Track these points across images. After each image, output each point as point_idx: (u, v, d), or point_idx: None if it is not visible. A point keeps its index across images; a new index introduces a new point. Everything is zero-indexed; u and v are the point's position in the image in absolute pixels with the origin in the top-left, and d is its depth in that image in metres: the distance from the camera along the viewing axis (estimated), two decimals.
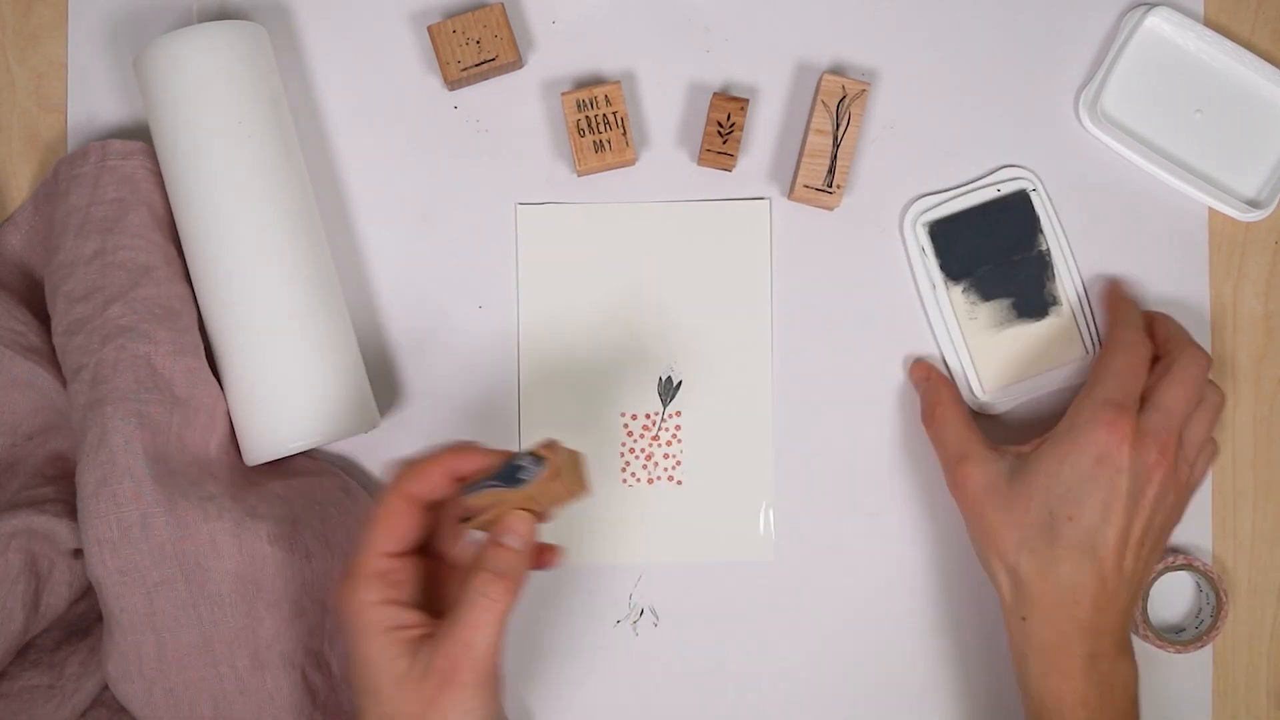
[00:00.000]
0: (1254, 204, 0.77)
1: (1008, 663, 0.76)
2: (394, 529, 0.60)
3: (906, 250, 0.76)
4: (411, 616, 0.59)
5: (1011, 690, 0.76)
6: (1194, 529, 0.76)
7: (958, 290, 0.76)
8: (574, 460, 0.61)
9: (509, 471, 0.60)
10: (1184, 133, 0.77)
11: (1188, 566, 0.74)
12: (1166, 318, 0.73)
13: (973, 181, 0.76)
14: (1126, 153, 0.76)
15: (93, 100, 0.76)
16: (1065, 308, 0.76)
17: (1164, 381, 0.68)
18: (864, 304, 0.76)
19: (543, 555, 0.63)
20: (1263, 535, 0.77)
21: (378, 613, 0.59)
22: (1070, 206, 0.77)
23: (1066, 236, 0.76)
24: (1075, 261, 0.76)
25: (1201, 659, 0.76)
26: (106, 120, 0.76)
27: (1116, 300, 0.74)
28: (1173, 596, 0.77)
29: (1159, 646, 0.74)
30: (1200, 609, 0.76)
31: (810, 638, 0.76)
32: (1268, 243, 0.77)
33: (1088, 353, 0.76)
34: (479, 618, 0.58)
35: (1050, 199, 0.76)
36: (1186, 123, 0.77)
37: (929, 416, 0.73)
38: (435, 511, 0.62)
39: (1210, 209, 0.77)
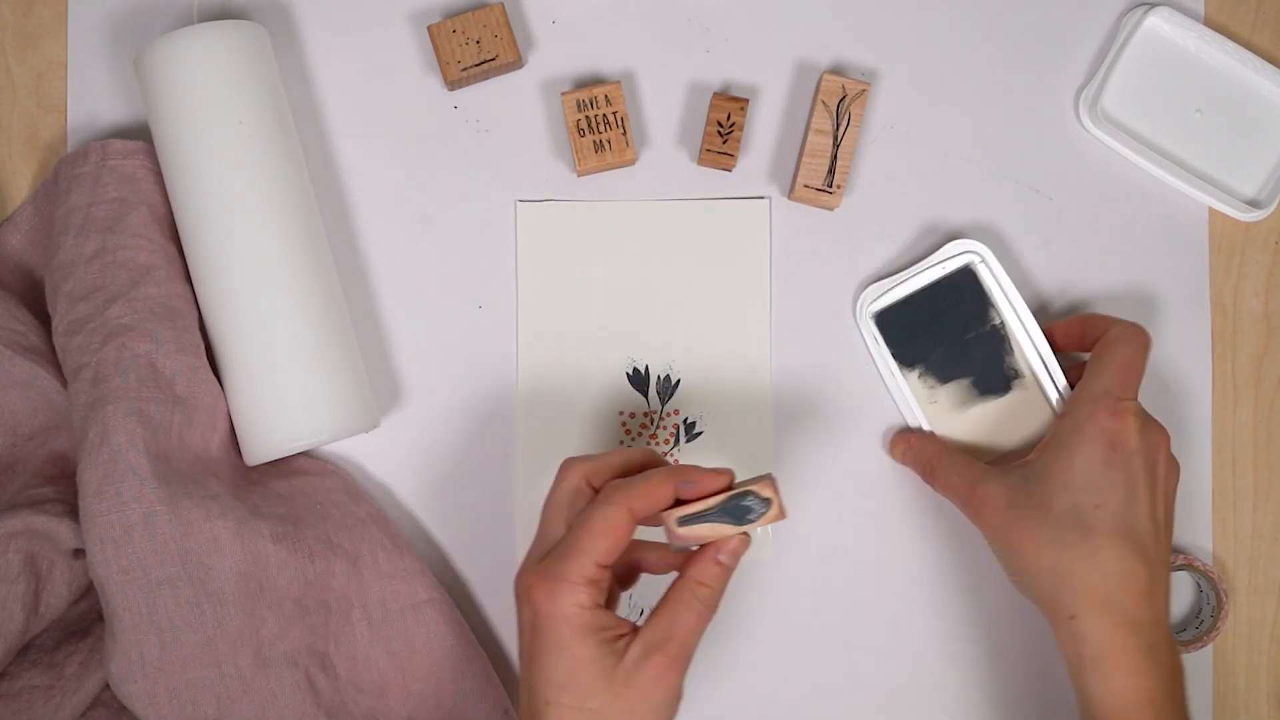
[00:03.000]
0: (1254, 204, 0.77)
1: (1006, 660, 0.76)
2: (612, 542, 0.62)
3: (863, 339, 0.76)
4: (614, 619, 0.62)
5: (1009, 689, 0.76)
6: (1194, 529, 0.76)
7: (914, 376, 0.75)
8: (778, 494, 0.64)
9: (737, 511, 0.63)
10: (1184, 133, 0.77)
11: (1188, 566, 0.74)
12: (1093, 316, 0.73)
13: (918, 261, 0.75)
14: (1126, 153, 0.76)
15: (93, 100, 0.76)
16: (1029, 379, 0.74)
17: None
18: None
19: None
20: (1263, 535, 0.77)
21: (590, 616, 0.61)
22: (1070, 208, 0.77)
23: (1023, 305, 0.74)
24: (1034, 330, 0.74)
25: (1202, 659, 0.76)
26: (106, 120, 0.76)
27: (1084, 319, 0.73)
28: (1173, 596, 0.77)
29: None
30: (1200, 609, 0.76)
31: (808, 637, 0.76)
32: (1268, 243, 0.77)
33: None
34: (693, 621, 0.62)
35: (999, 269, 0.74)
36: (1186, 123, 0.77)
37: (928, 473, 0.72)
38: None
39: (1210, 209, 0.77)
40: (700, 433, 0.76)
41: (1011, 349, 0.74)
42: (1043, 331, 0.73)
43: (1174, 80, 0.77)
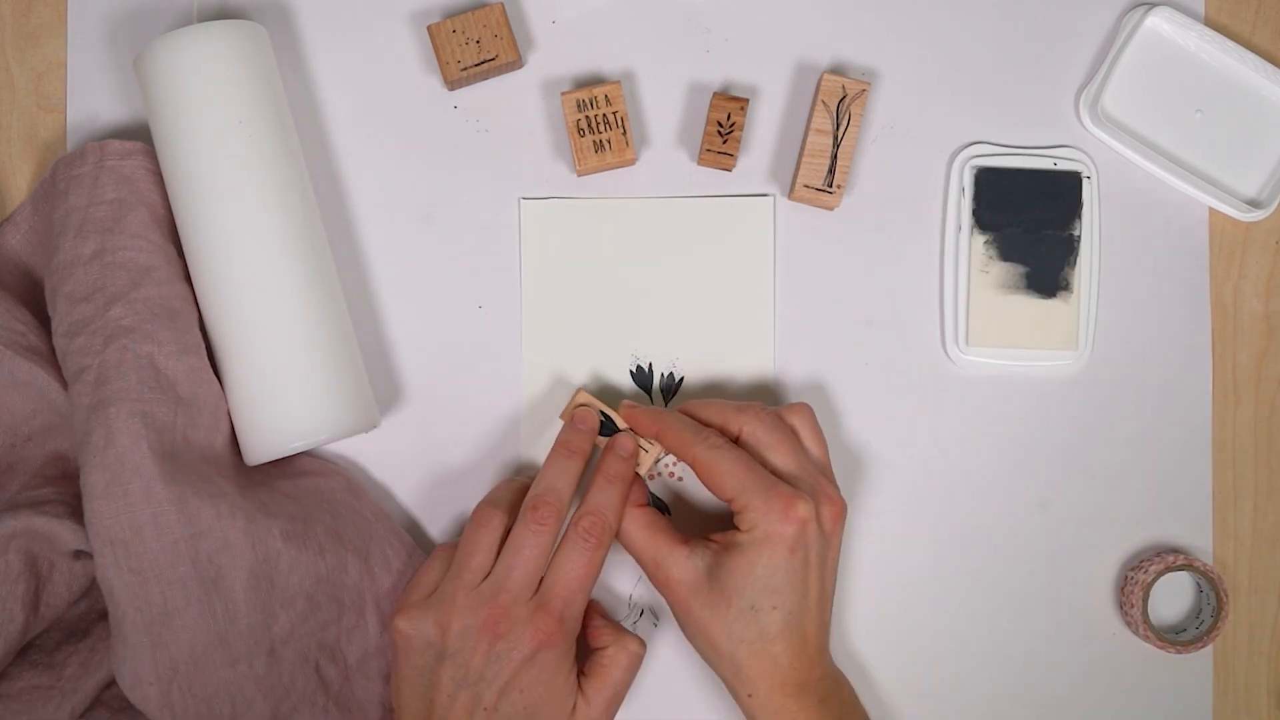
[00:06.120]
0: (1254, 204, 0.77)
1: (1004, 660, 0.76)
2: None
3: (947, 187, 0.76)
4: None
5: (1009, 689, 0.76)
6: (1194, 529, 0.76)
7: (980, 240, 0.76)
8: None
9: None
10: (1184, 133, 0.77)
11: (1188, 566, 0.74)
12: (705, 404, 0.71)
13: (1035, 147, 0.76)
14: (1126, 153, 0.76)
15: (92, 100, 0.76)
16: (1074, 297, 0.75)
17: (785, 446, 0.69)
18: (866, 302, 0.76)
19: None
20: (1263, 535, 0.77)
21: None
22: None
23: (1101, 235, 0.76)
24: (1100, 260, 0.76)
25: (1202, 659, 0.76)
26: (106, 120, 0.76)
27: (671, 423, 0.71)
28: (1173, 596, 0.77)
29: (1159, 647, 0.74)
30: (1201, 609, 0.76)
31: None
32: (1268, 243, 0.77)
33: (1079, 349, 0.76)
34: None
35: (1097, 195, 0.76)
36: (1186, 123, 0.77)
37: (622, 534, 0.71)
38: None
39: (1210, 209, 0.77)
40: None
41: (1075, 262, 0.75)
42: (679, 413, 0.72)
43: (1174, 80, 0.77)
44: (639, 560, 0.70)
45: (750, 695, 0.67)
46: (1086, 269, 0.76)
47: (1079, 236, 0.76)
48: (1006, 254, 0.76)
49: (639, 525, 0.70)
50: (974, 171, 0.76)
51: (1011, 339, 0.76)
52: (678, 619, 0.70)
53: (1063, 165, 0.76)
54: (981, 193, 0.76)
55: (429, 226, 0.76)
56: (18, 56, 0.77)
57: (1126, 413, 0.77)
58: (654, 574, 0.70)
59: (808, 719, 0.67)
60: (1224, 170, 0.77)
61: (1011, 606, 0.76)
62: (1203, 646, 0.74)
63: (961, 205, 0.76)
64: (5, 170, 0.77)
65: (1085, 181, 0.76)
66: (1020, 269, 0.76)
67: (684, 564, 0.68)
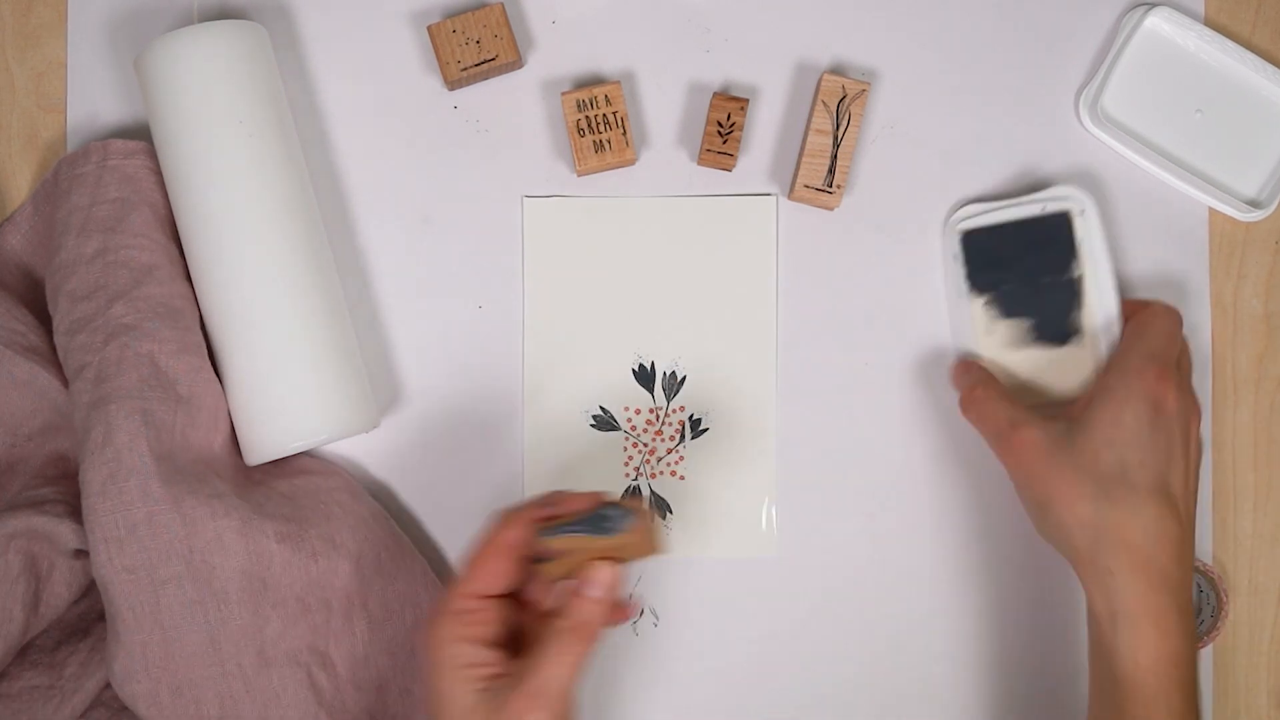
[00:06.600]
0: (1254, 204, 0.77)
1: (1006, 659, 0.76)
2: (485, 572, 0.62)
3: (942, 254, 0.76)
4: (486, 655, 0.61)
5: (1011, 687, 0.76)
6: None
7: (980, 302, 0.75)
8: (653, 518, 0.64)
9: (595, 519, 0.62)
10: (1184, 133, 0.77)
11: None
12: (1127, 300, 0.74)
13: (1022, 194, 0.75)
14: (1126, 153, 0.76)
15: (93, 100, 0.76)
16: (1087, 339, 0.74)
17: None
18: (866, 302, 0.76)
19: (618, 609, 0.65)
20: (1263, 535, 0.77)
21: (452, 649, 0.61)
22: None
23: (1110, 266, 0.74)
24: (1110, 293, 0.74)
25: (1202, 659, 0.76)
26: (106, 120, 0.76)
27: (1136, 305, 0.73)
28: None
29: None
30: (1200, 609, 0.76)
31: (812, 635, 0.76)
32: (1268, 243, 0.77)
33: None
34: (556, 662, 0.60)
35: (1096, 225, 0.74)
36: (1186, 123, 0.77)
37: (967, 399, 0.72)
38: (529, 560, 0.64)
39: (1210, 209, 0.77)
40: (706, 429, 0.76)
41: (1081, 305, 0.74)
42: None
43: (1174, 80, 0.77)
44: (990, 425, 0.69)
45: (1110, 572, 0.64)
46: (1097, 308, 0.73)
47: (1080, 277, 0.74)
48: (1008, 311, 0.74)
49: (996, 394, 0.70)
50: (959, 236, 0.74)
51: (1028, 394, 0.74)
52: (1028, 493, 0.67)
53: (1050, 208, 0.74)
54: (971, 256, 0.74)
55: (429, 226, 0.76)
56: (18, 56, 0.77)
57: None
58: (1008, 437, 0.68)
59: (1167, 623, 0.63)
60: (1224, 170, 0.77)
61: (1012, 606, 0.76)
62: (1202, 646, 0.74)
63: (955, 272, 0.75)
64: (5, 170, 0.77)
65: (1078, 219, 0.74)
66: (1025, 323, 0.74)
67: (1041, 426, 0.67)
